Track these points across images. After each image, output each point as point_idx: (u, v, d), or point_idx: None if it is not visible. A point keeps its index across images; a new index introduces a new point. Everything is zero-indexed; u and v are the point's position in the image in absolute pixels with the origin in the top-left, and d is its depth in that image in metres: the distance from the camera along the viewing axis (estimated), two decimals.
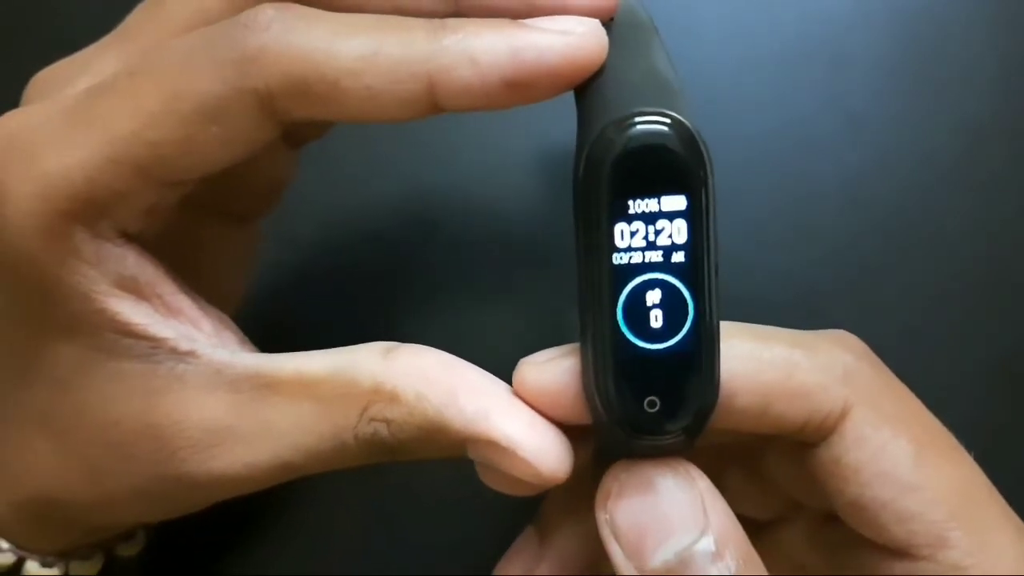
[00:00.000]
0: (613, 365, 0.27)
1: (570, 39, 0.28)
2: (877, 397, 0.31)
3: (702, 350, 0.27)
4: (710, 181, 0.27)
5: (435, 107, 0.29)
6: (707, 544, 0.28)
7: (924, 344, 0.44)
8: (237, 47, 0.28)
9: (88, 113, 0.29)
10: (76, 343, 0.31)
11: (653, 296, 0.27)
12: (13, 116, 0.31)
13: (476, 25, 0.28)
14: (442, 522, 0.44)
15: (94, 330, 0.30)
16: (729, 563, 0.28)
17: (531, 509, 0.38)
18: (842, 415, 0.30)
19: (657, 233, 0.26)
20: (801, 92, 0.47)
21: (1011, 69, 0.46)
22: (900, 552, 0.30)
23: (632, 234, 0.26)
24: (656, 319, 0.27)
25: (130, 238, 0.30)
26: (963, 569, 0.30)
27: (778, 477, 0.35)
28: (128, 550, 0.38)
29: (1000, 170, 0.46)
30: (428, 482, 0.44)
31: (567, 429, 0.30)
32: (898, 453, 0.30)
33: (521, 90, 0.28)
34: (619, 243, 0.27)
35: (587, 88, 0.29)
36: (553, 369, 0.30)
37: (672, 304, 0.27)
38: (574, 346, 0.29)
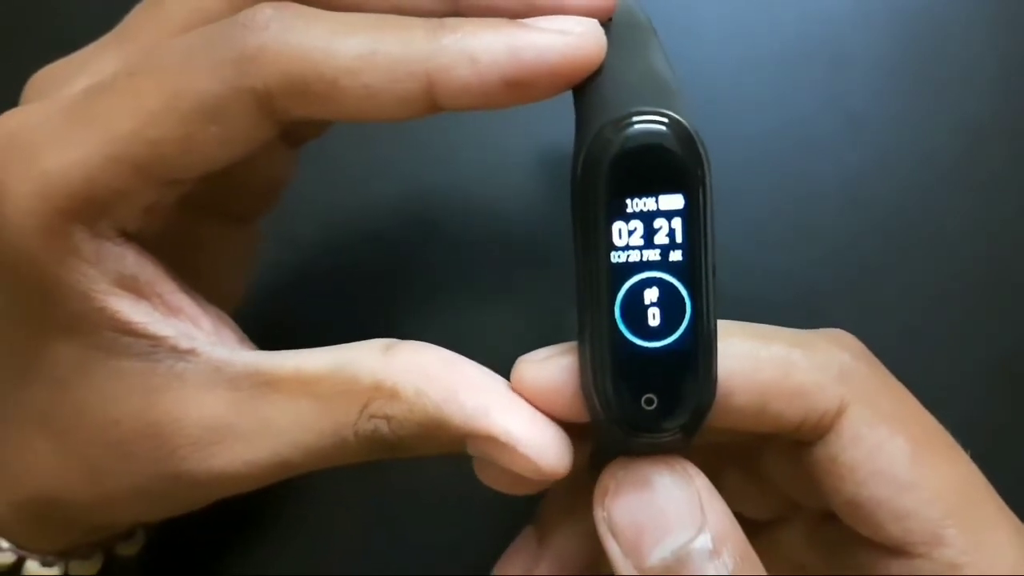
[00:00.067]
0: (611, 363, 0.27)
1: (569, 39, 0.28)
2: (874, 396, 0.31)
3: (699, 348, 0.27)
4: (707, 180, 0.27)
5: (434, 106, 0.29)
6: (704, 542, 0.28)
7: (924, 344, 0.44)
8: (236, 46, 0.28)
9: (87, 112, 0.29)
10: (76, 342, 0.31)
11: (651, 294, 0.27)
12: (12, 115, 0.31)
13: (475, 24, 0.28)
14: (442, 522, 0.44)
15: (94, 329, 0.30)
16: (727, 561, 0.28)
17: (530, 509, 0.38)
18: (838, 414, 0.30)
19: (655, 232, 0.27)
20: (801, 92, 0.47)
21: (1011, 69, 0.46)
22: (897, 550, 0.30)
23: (630, 233, 0.27)
24: (654, 317, 0.27)
25: (129, 237, 0.30)
26: (959, 567, 0.30)
27: (775, 477, 0.35)
28: (128, 549, 0.38)
29: (1000, 170, 0.46)
30: (428, 482, 0.44)
31: (566, 429, 0.30)
32: (894, 452, 0.30)
33: (520, 89, 0.28)
34: (617, 242, 0.27)
35: (585, 88, 0.29)
36: (551, 367, 0.30)
37: (669, 302, 0.27)
38: (572, 344, 0.29)
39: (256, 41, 0.28)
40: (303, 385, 0.30)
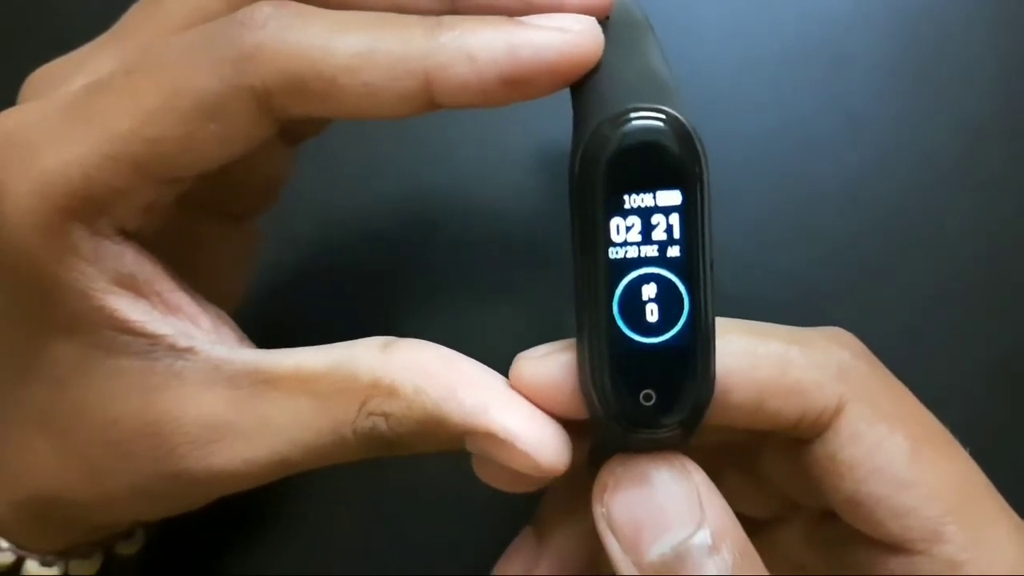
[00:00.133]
0: (609, 358, 0.27)
1: (567, 36, 0.28)
2: (872, 393, 0.31)
3: (697, 344, 0.27)
4: (705, 176, 0.27)
5: (432, 103, 0.29)
6: (703, 538, 0.28)
7: (924, 344, 0.44)
8: (234, 45, 0.28)
9: (86, 110, 0.29)
10: (74, 341, 0.31)
11: (649, 290, 0.27)
12: (10, 114, 0.31)
13: (473, 22, 0.29)
14: (442, 522, 0.44)
15: (92, 328, 0.30)
16: (726, 557, 0.28)
17: (529, 509, 0.38)
18: (837, 411, 0.30)
19: (652, 228, 0.26)
20: (801, 92, 0.47)
21: (1011, 69, 0.46)
22: (896, 547, 0.30)
23: (628, 229, 0.27)
24: (652, 313, 0.27)
25: (128, 235, 0.31)
26: (958, 564, 0.30)
27: (774, 476, 0.35)
28: (127, 548, 0.38)
29: (1000, 170, 0.46)
30: (428, 481, 0.44)
31: (564, 427, 0.30)
32: (893, 449, 0.30)
33: (518, 87, 0.28)
34: (615, 238, 0.27)
35: (583, 85, 0.29)
36: (550, 363, 0.30)
37: (668, 298, 0.27)
38: (571, 341, 0.29)
39: (254, 39, 0.28)
40: (302, 383, 0.30)
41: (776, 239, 0.45)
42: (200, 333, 0.31)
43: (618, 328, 0.27)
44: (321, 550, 0.44)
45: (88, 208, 0.29)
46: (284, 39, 0.28)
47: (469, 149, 0.46)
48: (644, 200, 0.26)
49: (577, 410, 0.29)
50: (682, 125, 0.26)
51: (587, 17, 0.29)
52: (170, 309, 0.31)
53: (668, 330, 0.27)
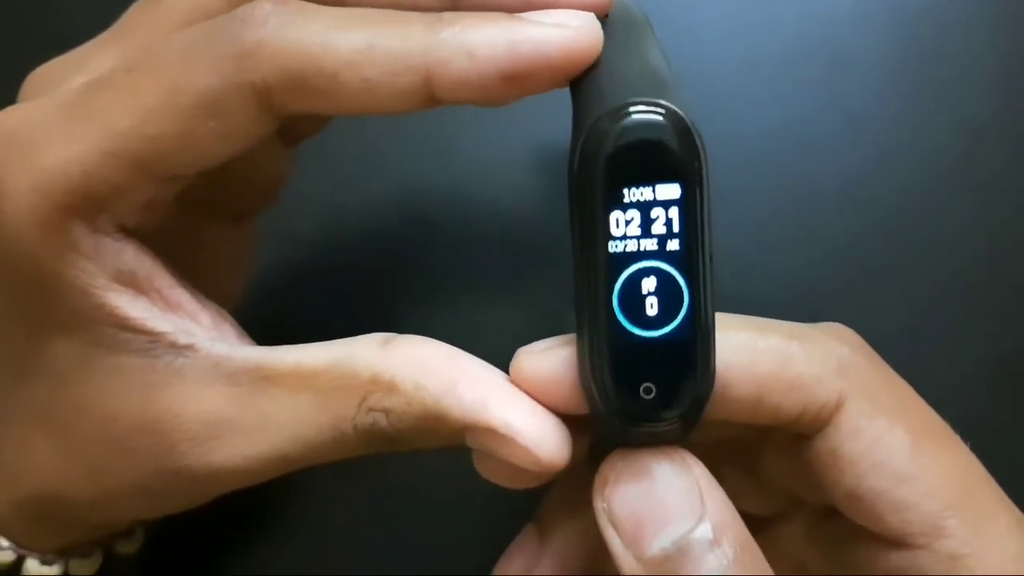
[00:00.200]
0: (609, 352, 0.27)
1: (566, 32, 0.28)
2: (872, 389, 0.31)
3: (697, 337, 0.27)
4: (704, 170, 0.27)
5: (432, 100, 0.29)
6: (704, 532, 0.28)
7: (924, 344, 0.44)
8: (234, 42, 0.28)
9: (86, 108, 0.29)
10: (74, 338, 0.31)
11: (648, 284, 0.27)
12: (10, 112, 0.31)
13: (473, 19, 0.29)
14: (442, 521, 0.44)
15: (92, 325, 0.30)
16: (727, 551, 0.28)
17: (530, 509, 0.38)
18: (837, 407, 0.30)
19: (652, 221, 0.27)
20: (801, 92, 0.47)
21: (1011, 69, 0.46)
22: (897, 542, 0.30)
23: (627, 222, 0.27)
24: (652, 307, 0.27)
25: (128, 233, 0.31)
26: (959, 558, 0.30)
27: (775, 472, 0.35)
28: (127, 547, 0.38)
29: (1000, 170, 0.46)
30: (428, 480, 0.44)
31: (565, 424, 0.30)
32: (894, 444, 0.30)
33: (518, 83, 0.28)
34: (614, 231, 0.27)
35: (582, 81, 0.29)
36: (550, 358, 0.30)
37: (667, 291, 0.27)
38: (571, 336, 0.29)
39: (255, 36, 0.28)
40: (302, 380, 0.30)
41: (776, 239, 0.45)
42: (200, 330, 0.32)
43: (618, 322, 0.27)
44: (321, 550, 0.44)
45: (88, 205, 0.29)
46: (285, 36, 0.28)
47: (469, 148, 0.46)
48: (643, 194, 0.26)
49: (577, 405, 0.29)
50: (681, 119, 0.26)
51: (586, 13, 0.29)
52: (170, 306, 0.31)
53: (668, 323, 0.27)
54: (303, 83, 0.28)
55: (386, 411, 0.29)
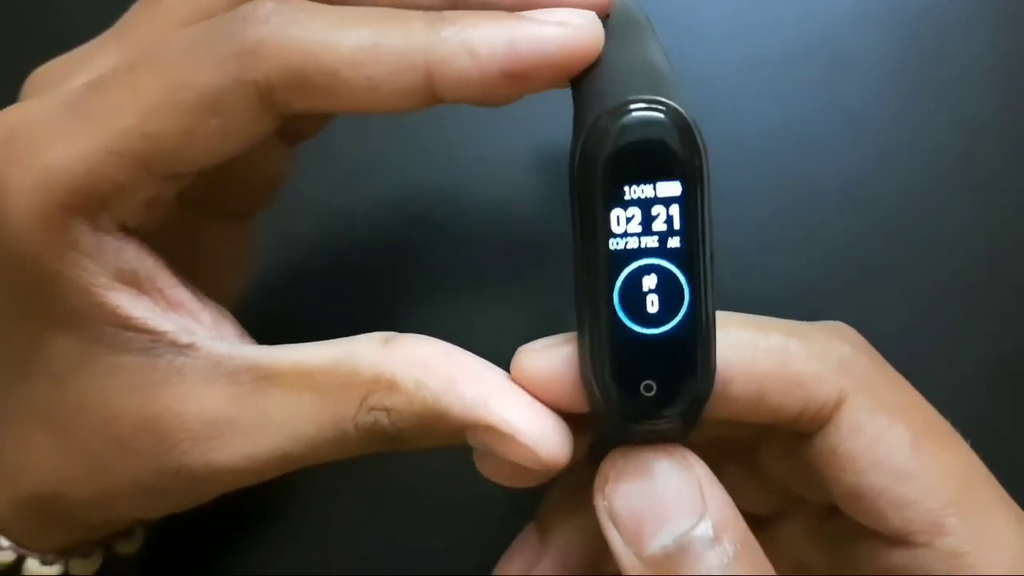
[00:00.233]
0: (610, 349, 0.27)
1: (567, 30, 0.28)
2: (873, 386, 0.31)
3: (698, 335, 0.27)
4: (705, 167, 0.27)
5: (434, 98, 0.29)
6: (705, 529, 0.28)
7: (924, 344, 0.44)
8: (237, 40, 0.28)
9: (88, 106, 0.29)
10: (75, 337, 0.31)
11: (649, 281, 0.27)
12: (12, 111, 0.31)
13: (474, 17, 0.29)
14: (442, 522, 0.44)
15: (93, 324, 0.30)
16: (727, 548, 0.28)
17: (531, 510, 0.38)
18: (837, 404, 0.30)
19: (653, 219, 0.27)
20: (801, 92, 0.47)
21: (1011, 69, 0.46)
22: (898, 540, 0.30)
23: (628, 220, 0.27)
24: (652, 304, 0.27)
25: (129, 231, 0.31)
26: (960, 555, 0.30)
27: (775, 471, 0.35)
28: (127, 547, 0.38)
29: (1000, 170, 0.46)
30: (428, 482, 0.44)
31: (566, 422, 0.30)
32: (894, 441, 0.30)
33: (519, 81, 0.29)
34: (615, 229, 0.27)
35: (583, 80, 0.29)
36: (551, 356, 0.30)
37: (668, 289, 0.27)
38: (572, 334, 0.29)
39: (257, 35, 0.28)
40: (303, 378, 0.30)
41: (776, 239, 0.45)
42: (201, 329, 0.32)
43: (619, 319, 0.27)
44: (321, 550, 0.44)
45: (90, 204, 0.29)
46: (287, 34, 0.28)
47: (469, 148, 0.46)
48: (644, 191, 0.26)
49: (578, 402, 0.29)
50: (682, 116, 0.26)
51: (587, 12, 0.29)
52: (171, 305, 0.31)
53: (668, 321, 0.27)
54: (305, 81, 0.28)
55: (387, 410, 0.29)
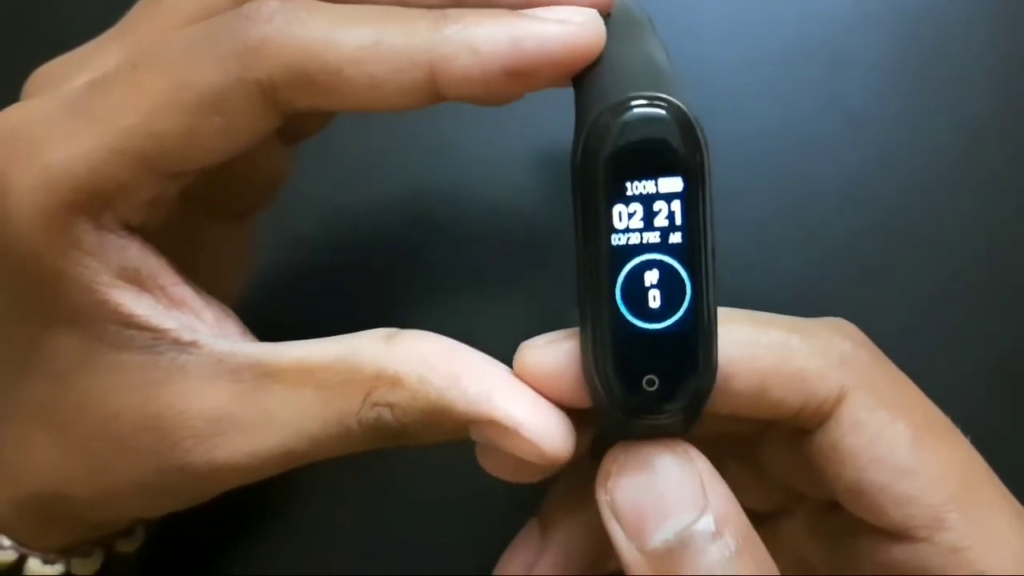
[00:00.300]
0: (612, 344, 0.27)
1: (569, 28, 0.29)
2: (874, 383, 0.31)
3: (699, 330, 0.27)
4: (706, 163, 0.27)
5: (436, 95, 0.29)
6: (707, 524, 0.28)
7: (924, 344, 0.44)
8: (239, 38, 0.29)
9: (91, 105, 0.29)
10: (77, 335, 0.31)
11: (651, 276, 0.27)
12: (13, 110, 0.31)
13: (476, 15, 0.29)
14: (444, 519, 0.44)
15: (95, 322, 0.30)
16: (729, 542, 0.28)
17: (532, 506, 0.38)
18: (838, 400, 0.30)
19: (654, 214, 0.27)
20: (801, 92, 0.47)
21: (1011, 69, 0.46)
22: (899, 535, 0.30)
23: (630, 216, 0.27)
24: (654, 299, 0.27)
25: (132, 230, 0.31)
26: (961, 550, 0.30)
27: (776, 467, 0.35)
28: (127, 546, 0.38)
29: (1000, 170, 0.46)
30: (429, 481, 0.44)
31: (569, 418, 0.30)
32: (895, 437, 0.30)
33: (521, 79, 0.29)
34: (617, 224, 0.27)
35: (585, 77, 0.29)
36: (553, 351, 0.30)
37: (670, 284, 0.27)
38: (575, 330, 0.29)
39: (260, 33, 0.28)
40: (305, 375, 0.30)
41: (776, 239, 0.45)
42: (204, 327, 0.32)
43: (621, 314, 0.27)
44: (321, 549, 0.44)
45: (93, 202, 0.29)
46: (290, 33, 0.28)
47: (469, 148, 0.46)
48: (646, 187, 0.27)
49: (580, 398, 0.29)
50: (683, 113, 0.26)
51: (589, 10, 0.29)
52: (174, 303, 0.31)
53: (670, 316, 0.27)
54: (308, 79, 0.28)
55: (390, 405, 0.29)
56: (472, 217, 0.46)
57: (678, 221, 0.27)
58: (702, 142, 0.27)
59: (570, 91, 0.30)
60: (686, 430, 0.29)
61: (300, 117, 0.30)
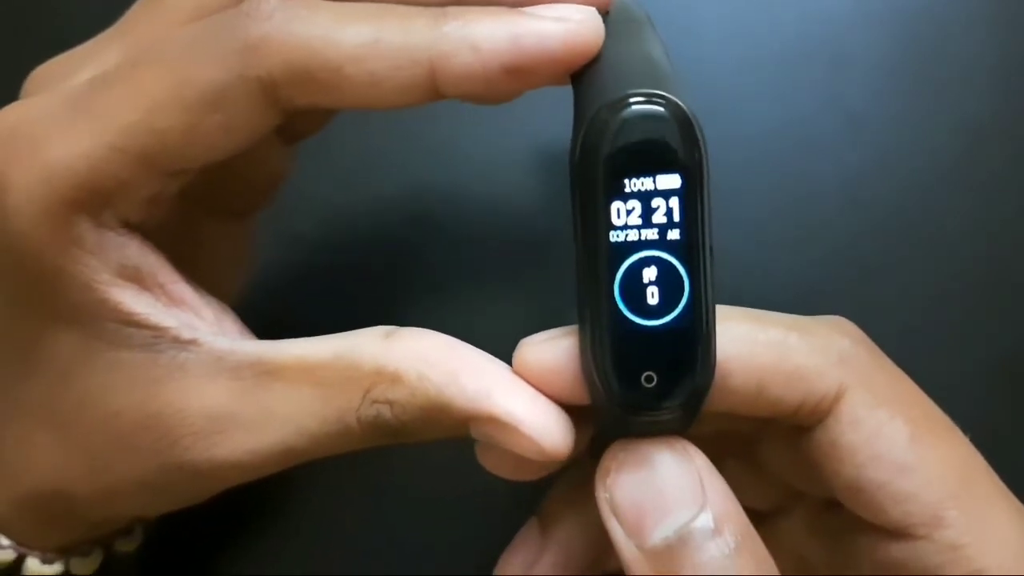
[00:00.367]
0: (610, 341, 0.27)
1: (568, 25, 0.29)
2: (872, 380, 0.31)
3: (698, 327, 0.27)
4: (705, 160, 0.27)
5: (436, 93, 0.29)
6: (706, 521, 0.28)
7: (924, 344, 0.44)
8: (240, 36, 0.29)
9: (91, 103, 0.30)
10: (77, 333, 0.31)
11: (649, 273, 0.27)
12: (14, 108, 0.31)
13: (476, 13, 0.29)
14: (443, 517, 0.44)
15: (95, 320, 0.30)
16: (728, 539, 0.28)
17: (532, 504, 0.38)
18: (837, 398, 0.30)
19: (653, 211, 0.27)
20: (801, 92, 0.47)
21: (1011, 69, 0.46)
22: (898, 533, 0.30)
23: (628, 212, 0.27)
24: (652, 296, 0.27)
25: (132, 228, 0.31)
26: (960, 547, 0.30)
27: (775, 465, 0.35)
28: (126, 546, 0.38)
29: (1000, 170, 0.46)
30: (429, 480, 0.43)
31: (568, 415, 0.30)
32: (893, 435, 0.30)
33: (521, 76, 0.29)
34: (615, 221, 0.27)
35: (583, 75, 0.29)
36: (552, 348, 0.30)
37: (668, 281, 0.27)
38: (574, 327, 0.29)
39: (260, 30, 0.28)
40: (305, 373, 0.30)
41: (776, 239, 0.45)
42: (203, 325, 0.32)
43: (619, 311, 0.27)
44: (321, 549, 0.44)
45: (93, 200, 0.29)
46: (290, 30, 0.28)
47: (469, 148, 0.46)
48: (644, 184, 0.27)
49: (579, 394, 0.29)
50: (681, 110, 0.26)
51: (588, 8, 0.30)
52: (173, 301, 0.31)
53: (669, 313, 0.27)
54: (308, 77, 0.29)
55: (390, 403, 0.29)
56: (472, 217, 0.46)
57: (676, 218, 0.27)
58: (700, 139, 0.27)
59: (569, 89, 0.30)
60: (685, 427, 0.29)
61: (300, 115, 0.30)
